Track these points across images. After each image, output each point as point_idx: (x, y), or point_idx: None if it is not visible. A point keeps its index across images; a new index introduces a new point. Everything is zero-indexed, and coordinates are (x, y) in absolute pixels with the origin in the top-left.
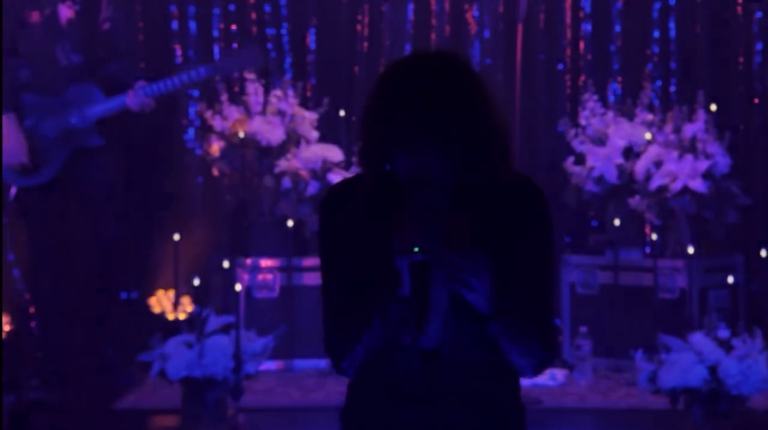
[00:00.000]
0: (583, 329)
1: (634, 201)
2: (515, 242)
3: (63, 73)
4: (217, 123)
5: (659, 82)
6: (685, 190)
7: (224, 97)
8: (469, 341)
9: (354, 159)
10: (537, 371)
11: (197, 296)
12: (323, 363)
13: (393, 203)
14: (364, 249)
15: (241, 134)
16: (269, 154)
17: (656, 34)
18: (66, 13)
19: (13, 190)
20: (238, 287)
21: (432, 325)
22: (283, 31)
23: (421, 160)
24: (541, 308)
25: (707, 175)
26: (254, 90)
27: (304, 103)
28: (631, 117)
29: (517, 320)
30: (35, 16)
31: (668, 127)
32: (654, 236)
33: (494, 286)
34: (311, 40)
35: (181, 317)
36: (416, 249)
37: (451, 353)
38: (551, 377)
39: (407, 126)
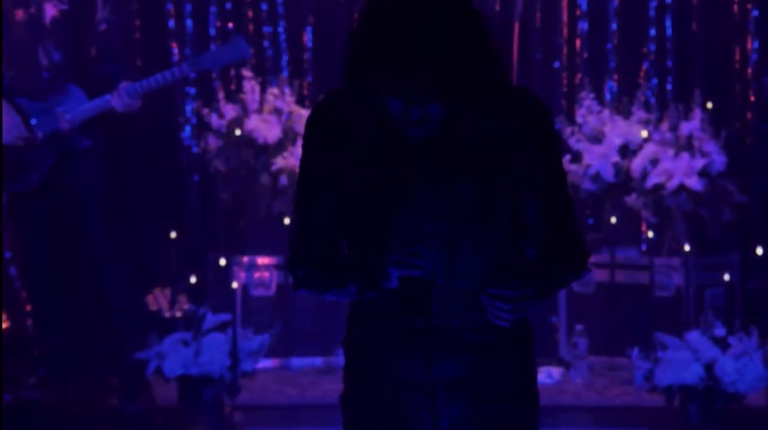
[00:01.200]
0: (579, 327)
1: (631, 199)
2: (523, 158)
3: (44, 72)
4: (213, 121)
5: (655, 81)
6: (682, 188)
7: (221, 95)
8: (464, 271)
9: None
10: (578, 280)
11: (194, 293)
12: (320, 361)
13: (386, 135)
14: (351, 179)
15: (238, 132)
16: (266, 152)
17: (653, 32)
18: (51, 11)
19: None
20: (234, 285)
21: (425, 257)
22: (280, 29)
23: (416, 106)
24: (568, 227)
25: (703, 174)
26: (251, 88)
27: (301, 101)
28: (627, 115)
29: (551, 281)
30: (19, 15)
31: (664, 126)
32: (650, 234)
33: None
34: (308, 38)
35: (178, 314)
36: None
37: (444, 284)
38: (547, 375)
39: (402, 79)
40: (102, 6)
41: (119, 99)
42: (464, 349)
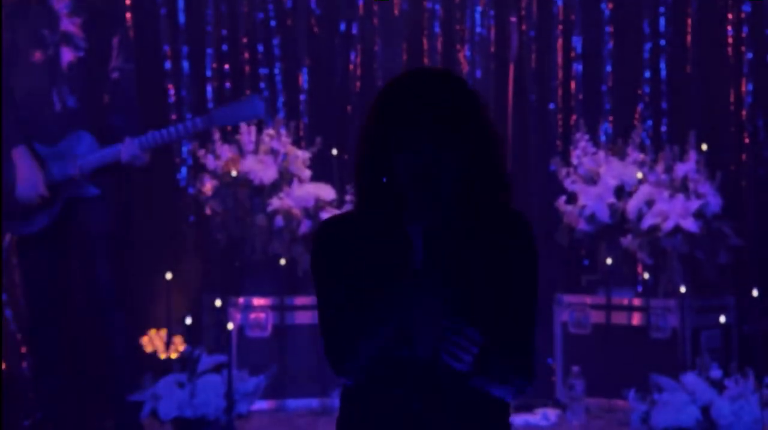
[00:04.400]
0: (575, 368)
1: (626, 240)
2: (501, 272)
3: (57, 117)
4: (209, 162)
5: (650, 122)
6: (677, 229)
7: (217, 136)
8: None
9: (347, 198)
10: (515, 396)
11: (189, 335)
12: (315, 402)
13: (390, 225)
14: (362, 271)
15: (234, 173)
16: (262, 193)
17: (647, 74)
18: (68, 56)
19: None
20: (230, 326)
21: (425, 335)
22: (276, 71)
23: (426, 156)
24: (520, 340)
25: (699, 215)
26: (247, 129)
27: (297, 142)
28: (622, 156)
29: (497, 363)
30: (37, 56)
31: (660, 167)
32: (646, 276)
33: (480, 356)
34: (304, 79)
35: (173, 356)
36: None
37: (444, 363)
38: (544, 417)
39: (413, 123)
40: (116, 55)
41: (127, 150)
42: None
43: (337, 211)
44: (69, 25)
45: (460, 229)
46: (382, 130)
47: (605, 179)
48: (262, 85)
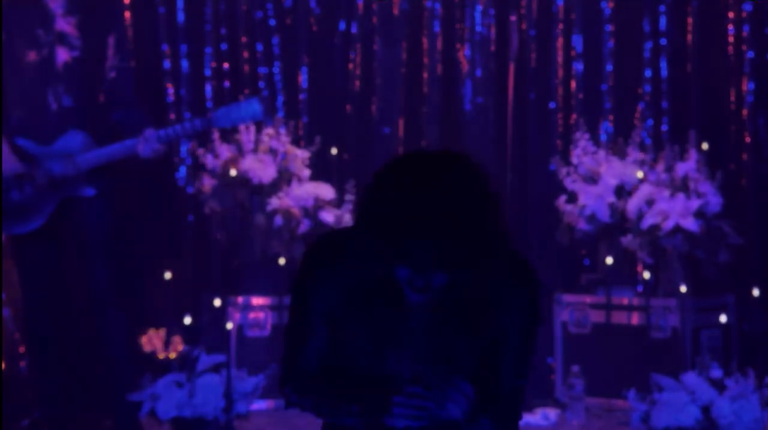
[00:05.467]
0: (575, 368)
1: (626, 240)
2: (501, 327)
3: (53, 117)
4: (208, 161)
5: (651, 122)
6: (678, 229)
7: (216, 135)
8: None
9: (347, 197)
10: None
11: (188, 334)
12: None
13: (385, 296)
14: (340, 310)
15: (233, 172)
16: (261, 192)
17: (648, 73)
18: (63, 56)
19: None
20: (229, 326)
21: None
22: (276, 70)
23: (421, 274)
24: (511, 402)
25: (699, 215)
26: (246, 128)
27: (296, 142)
28: (622, 156)
29: (487, 418)
30: (32, 56)
31: (660, 166)
32: (646, 275)
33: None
34: (303, 78)
35: (172, 356)
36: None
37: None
38: (544, 417)
39: (413, 245)
40: (113, 53)
41: (147, 145)
42: None
43: (336, 211)
44: (64, 24)
45: (455, 279)
46: (384, 240)
47: (605, 179)
48: (262, 84)
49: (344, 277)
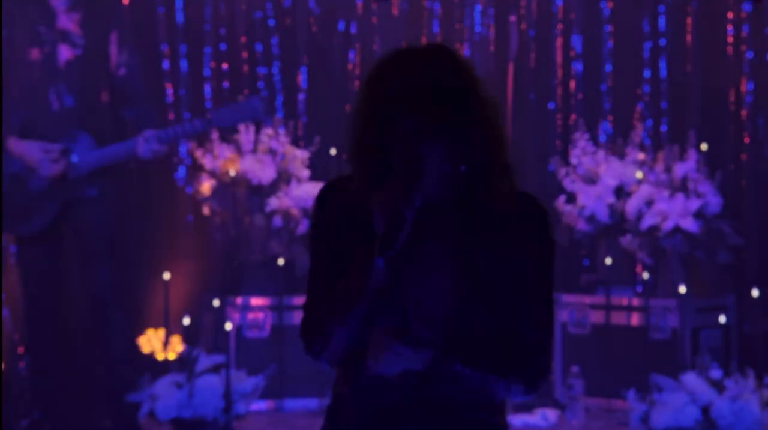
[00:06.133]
0: (574, 368)
1: (626, 240)
2: (516, 260)
3: (55, 116)
4: (207, 162)
5: (650, 122)
6: (677, 229)
7: (215, 135)
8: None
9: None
10: (524, 394)
11: (187, 335)
12: (314, 403)
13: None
14: (348, 249)
15: (232, 173)
16: (260, 192)
17: (647, 73)
18: (65, 54)
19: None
20: (228, 327)
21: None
22: (275, 70)
23: (422, 147)
24: (538, 333)
25: (698, 215)
26: (245, 129)
27: (296, 142)
28: (622, 156)
29: (500, 361)
30: (34, 54)
31: (659, 167)
32: (646, 276)
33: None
34: (302, 79)
35: (171, 356)
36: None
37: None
38: (543, 417)
39: (410, 112)
40: (119, 51)
41: (147, 145)
42: None
43: None
44: (66, 22)
45: (457, 210)
46: (376, 117)
47: (605, 179)
48: (261, 84)
49: (348, 223)
